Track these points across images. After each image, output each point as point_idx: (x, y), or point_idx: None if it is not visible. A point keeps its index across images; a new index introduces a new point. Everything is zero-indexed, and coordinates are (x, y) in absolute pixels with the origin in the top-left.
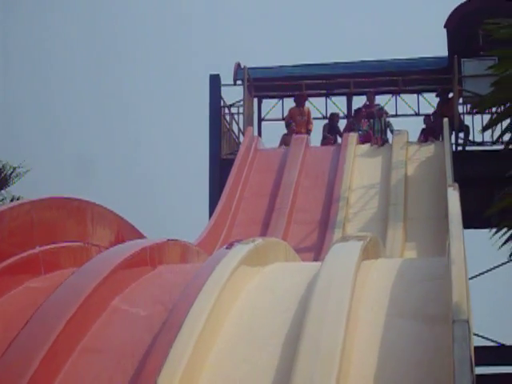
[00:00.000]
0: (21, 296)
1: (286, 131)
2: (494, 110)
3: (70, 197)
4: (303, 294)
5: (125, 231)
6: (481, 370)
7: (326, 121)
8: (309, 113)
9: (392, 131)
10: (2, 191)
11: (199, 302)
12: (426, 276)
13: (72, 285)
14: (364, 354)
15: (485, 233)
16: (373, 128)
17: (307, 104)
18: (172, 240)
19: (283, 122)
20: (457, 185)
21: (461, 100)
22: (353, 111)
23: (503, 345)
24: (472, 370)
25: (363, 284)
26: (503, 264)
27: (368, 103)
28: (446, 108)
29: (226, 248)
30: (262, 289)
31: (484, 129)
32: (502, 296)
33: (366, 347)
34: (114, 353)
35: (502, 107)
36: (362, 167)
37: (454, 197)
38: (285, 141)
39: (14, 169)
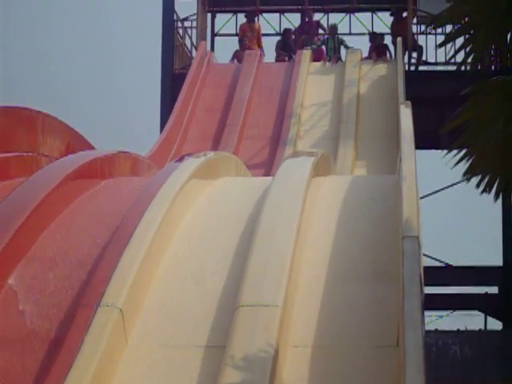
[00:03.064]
0: None
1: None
2: (449, 28)
3: (20, 106)
4: (254, 207)
5: (75, 142)
6: (428, 290)
7: (279, 37)
8: (259, 29)
9: (347, 47)
10: None
11: (149, 214)
12: (376, 192)
13: (21, 194)
14: (314, 267)
15: (436, 154)
16: (326, 46)
17: (261, 20)
18: (123, 152)
19: (236, 38)
20: (409, 103)
21: (415, 20)
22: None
23: (450, 265)
24: (421, 287)
25: (313, 199)
26: (452, 185)
27: (307, 20)
28: (399, 27)
29: (177, 161)
30: (212, 202)
31: (439, 45)
32: (451, 217)
33: (315, 261)
34: (62, 263)
35: (458, 25)
36: (314, 85)
37: (406, 114)
38: (237, 56)
39: None
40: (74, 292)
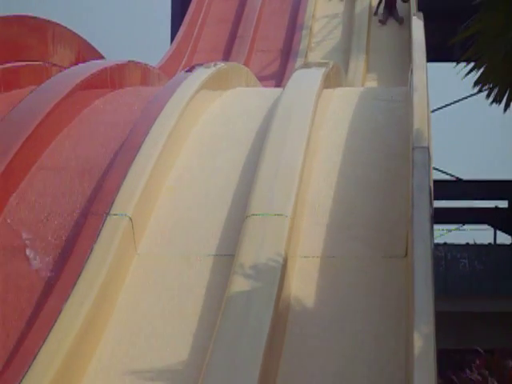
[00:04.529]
0: None
1: None
2: None
3: (31, 15)
4: (264, 117)
5: (85, 52)
6: (437, 204)
7: None
8: None
9: None
10: None
11: (159, 124)
12: (387, 104)
13: (31, 103)
14: (322, 178)
15: (448, 67)
16: None
17: None
18: (133, 62)
19: None
20: (421, 14)
21: None
22: None
23: (460, 179)
24: (431, 199)
25: (324, 110)
26: (463, 99)
27: None
28: None
29: (187, 71)
30: (222, 112)
31: None
32: (462, 131)
33: (324, 172)
34: (72, 171)
35: None
36: None
37: (418, 25)
38: None
39: None
40: (83, 200)
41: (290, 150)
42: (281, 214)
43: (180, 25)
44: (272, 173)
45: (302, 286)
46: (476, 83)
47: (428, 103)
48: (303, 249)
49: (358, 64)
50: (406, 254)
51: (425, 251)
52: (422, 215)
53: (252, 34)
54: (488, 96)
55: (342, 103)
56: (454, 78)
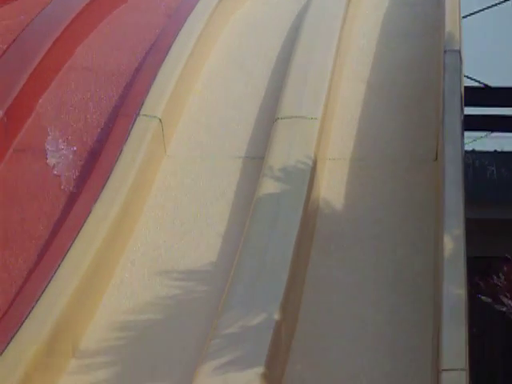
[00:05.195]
0: (9, 13)
1: None
2: None
3: None
4: (295, 20)
5: None
6: (466, 111)
7: None
8: None
9: None
10: None
11: (188, 26)
12: (418, 6)
13: (60, 4)
14: (353, 83)
15: None
16: None
17: None
18: None
19: None
20: None
21: None
22: None
23: (489, 86)
24: (462, 104)
25: (354, 14)
26: (496, 5)
27: None
28: None
29: None
30: (253, 13)
31: None
32: (493, 38)
33: (354, 77)
34: (102, 72)
35: None
36: None
37: None
38: None
39: None
40: (113, 101)
41: (321, 53)
42: (310, 117)
43: None
44: (302, 76)
45: (331, 189)
46: None
47: (459, 5)
48: (332, 151)
49: None
50: (436, 158)
51: (455, 153)
52: (454, 118)
53: None
54: None
55: (371, 7)
56: None
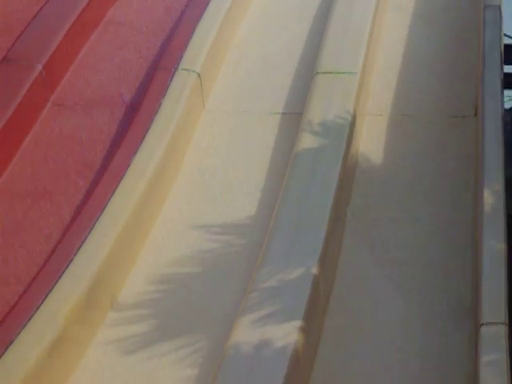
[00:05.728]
0: None
1: None
2: None
3: None
4: None
5: None
6: (506, 69)
7: None
8: None
9: None
10: None
11: None
12: None
13: None
14: (392, 42)
15: None
16: None
17: None
18: None
19: None
20: None
21: None
22: None
23: None
24: (501, 61)
25: None
26: None
27: None
28: None
29: None
30: None
31: None
32: None
33: (395, 33)
34: (141, 26)
35: None
36: None
37: None
38: None
39: None
40: (152, 55)
41: (360, 7)
42: (350, 72)
43: None
44: (341, 30)
45: (371, 144)
46: None
47: None
48: (372, 107)
49: None
50: (476, 114)
51: (495, 109)
52: (494, 74)
53: None
54: None
55: None
56: None
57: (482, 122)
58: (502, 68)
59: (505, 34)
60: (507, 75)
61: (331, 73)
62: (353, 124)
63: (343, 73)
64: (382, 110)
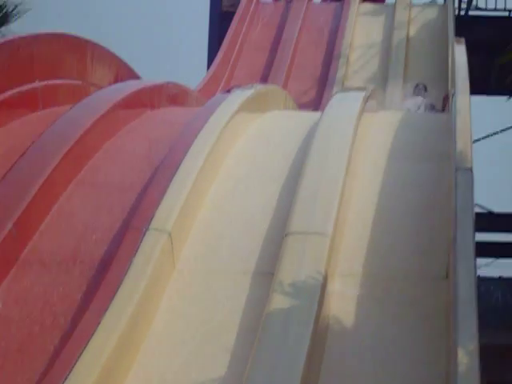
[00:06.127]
0: (18, 129)
1: None
2: None
3: (71, 34)
4: (304, 140)
5: (124, 73)
6: None
7: None
8: None
9: None
10: (2, 28)
11: (198, 143)
12: (427, 127)
13: (71, 118)
14: (362, 199)
15: (482, 101)
16: None
17: None
18: (172, 83)
19: None
20: (463, 39)
21: None
22: None
23: (493, 212)
24: (474, 225)
25: (364, 133)
26: (496, 133)
27: None
28: None
29: (226, 92)
30: (261, 134)
31: None
32: (496, 164)
33: (363, 193)
34: (111, 187)
35: None
36: (364, 26)
37: (460, 50)
38: None
39: (16, 6)
40: (123, 215)
41: (331, 169)
42: (321, 233)
43: (216, 52)
44: (312, 191)
45: (342, 306)
46: None
47: (471, 126)
48: (343, 268)
49: (394, 92)
50: (447, 276)
51: (468, 270)
52: (467, 235)
53: (289, 62)
54: None
55: (382, 127)
56: (491, 111)
57: (455, 282)
58: (474, 230)
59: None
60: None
61: (302, 233)
62: (324, 285)
63: (315, 234)
64: (354, 270)
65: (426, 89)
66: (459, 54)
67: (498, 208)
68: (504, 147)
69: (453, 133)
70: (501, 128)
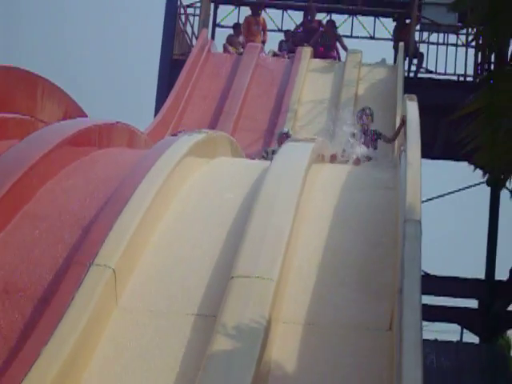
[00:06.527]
0: None
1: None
2: (451, 38)
3: (22, 68)
4: (251, 186)
5: (72, 111)
6: None
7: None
8: (264, 23)
9: (343, 47)
10: None
11: (146, 182)
12: (374, 181)
13: (19, 151)
14: (308, 247)
15: (428, 164)
16: (324, 43)
17: (264, 15)
18: (121, 123)
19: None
20: (414, 96)
21: (418, 27)
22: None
23: (428, 273)
24: (420, 276)
25: (312, 182)
26: (439, 197)
27: (310, 18)
28: (402, 33)
29: (173, 135)
30: (210, 178)
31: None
32: (436, 227)
33: (310, 241)
34: (57, 220)
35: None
36: (313, 82)
37: (412, 106)
38: (228, 41)
39: None
40: (67, 250)
41: (279, 214)
42: (267, 278)
43: (164, 99)
44: (259, 235)
45: (283, 352)
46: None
47: (421, 180)
48: (286, 314)
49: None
50: (390, 328)
51: (415, 320)
52: (413, 285)
53: (237, 113)
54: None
55: (330, 177)
56: (432, 176)
57: (400, 333)
58: (420, 281)
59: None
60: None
61: (248, 277)
62: (267, 329)
63: (260, 278)
64: (297, 318)
65: (372, 116)
66: (411, 109)
67: (434, 270)
68: (446, 210)
69: (402, 185)
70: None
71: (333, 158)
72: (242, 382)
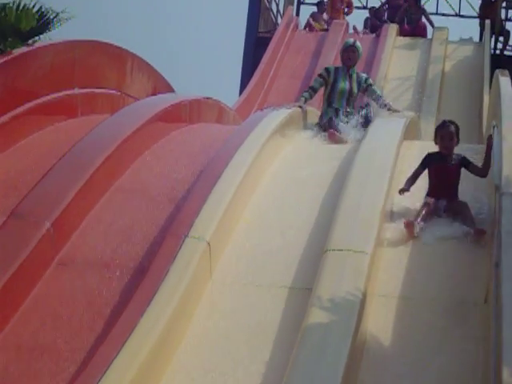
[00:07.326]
0: (56, 133)
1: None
2: None
3: (111, 43)
4: (343, 159)
5: (161, 86)
6: None
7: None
8: (350, 0)
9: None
10: (42, 36)
11: (239, 157)
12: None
13: (111, 125)
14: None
15: None
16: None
17: None
18: (211, 99)
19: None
20: (506, 71)
21: (504, 4)
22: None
23: None
24: None
25: (404, 159)
26: None
27: None
28: (488, 10)
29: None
30: (301, 151)
31: None
32: None
33: (402, 214)
34: (150, 193)
35: None
36: (399, 59)
37: (505, 81)
38: (312, 16)
39: (57, 14)
40: (162, 222)
41: (372, 189)
42: (361, 251)
43: (250, 77)
44: (353, 210)
45: (379, 325)
46: None
47: None
48: (381, 288)
49: (428, 126)
50: (486, 301)
51: None
52: (511, 258)
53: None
54: None
55: (419, 155)
56: None
57: (499, 306)
58: None
59: None
60: None
61: (342, 250)
62: (363, 302)
63: (355, 251)
64: (392, 291)
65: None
66: (504, 84)
67: None
68: None
69: (498, 158)
70: None
71: None
72: (338, 354)
